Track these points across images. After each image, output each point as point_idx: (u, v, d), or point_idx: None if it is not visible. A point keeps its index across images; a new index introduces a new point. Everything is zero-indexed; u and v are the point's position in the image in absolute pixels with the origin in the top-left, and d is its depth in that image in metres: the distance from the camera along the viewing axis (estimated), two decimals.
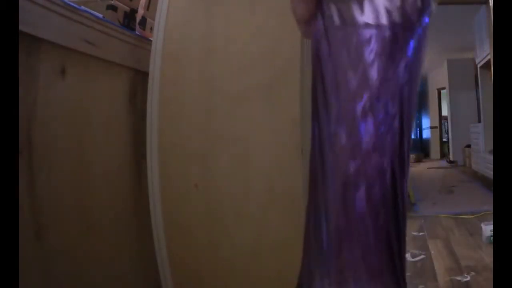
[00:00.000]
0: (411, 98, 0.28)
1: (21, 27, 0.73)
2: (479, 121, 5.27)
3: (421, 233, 2.64)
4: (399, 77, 0.26)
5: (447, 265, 1.99)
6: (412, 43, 0.26)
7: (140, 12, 1.35)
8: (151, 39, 1.11)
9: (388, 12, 0.25)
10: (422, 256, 2.15)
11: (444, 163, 7.57)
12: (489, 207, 3.10)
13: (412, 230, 2.71)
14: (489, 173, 4.22)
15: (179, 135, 1.02)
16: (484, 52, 4.47)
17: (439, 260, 2.09)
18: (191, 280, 1.02)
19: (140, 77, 1.15)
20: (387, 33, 0.25)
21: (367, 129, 0.26)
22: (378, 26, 0.25)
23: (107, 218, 1.01)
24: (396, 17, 0.25)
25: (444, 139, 8.71)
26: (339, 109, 0.27)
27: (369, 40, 0.25)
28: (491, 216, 2.83)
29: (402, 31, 0.25)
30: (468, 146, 6.11)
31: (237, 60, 0.98)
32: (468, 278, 1.79)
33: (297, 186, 0.90)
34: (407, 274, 1.99)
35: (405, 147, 0.29)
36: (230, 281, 0.98)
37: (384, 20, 0.25)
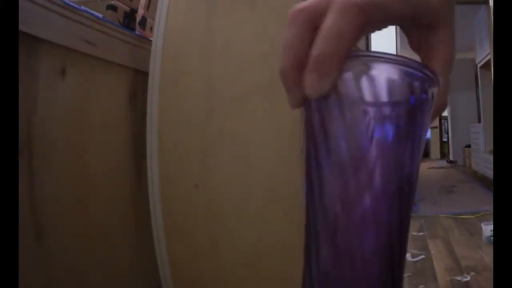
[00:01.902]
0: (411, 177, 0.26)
1: (21, 27, 0.73)
2: (479, 121, 5.27)
3: (421, 233, 2.64)
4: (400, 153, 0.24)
5: (447, 265, 2.00)
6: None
7: (140, 12, 1.35)
8: (151, 39, 1.11)
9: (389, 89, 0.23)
10: (422, 256, 2.15)
11: (444, 163, 7.57)
12: (489, 207, 3.10)
13: (412, 230, 2.71)
14: (489, 173, 4.22)
15: (179, 135, 1.02)
16: (484, 52, 4.47)
17: (439, 260, 2.09)
18: (191, 280, 1.02)
19: (140, 77, 1.15)
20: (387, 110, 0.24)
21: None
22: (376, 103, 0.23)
23: (107, 218, 1.02)
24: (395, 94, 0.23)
25: (444, 139, 8.71)
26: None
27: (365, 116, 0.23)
28: (491, 216, 2.83)
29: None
30: (468, 146, 6.12)
31: (237, 60, 0.97)
32: (468, 278, 1.79)
33: (297, 186, 0.90)
34: (408, 274, 1.99)
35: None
36: (230, 281, 0.98)
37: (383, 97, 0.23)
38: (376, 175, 0.24)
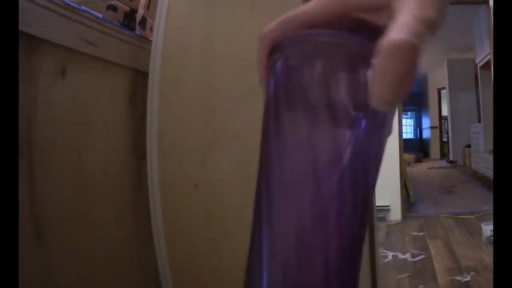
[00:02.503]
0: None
1: (21, 27, 0.73)
2: (479, 121, 5.28)
3: (421, 233, 2.65)
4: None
5: (447, 265, 2.00)
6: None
7: (140, 12, 1.35)
8: (151, 39, 1.11)
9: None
10: (422, 256, 2.15)
11: (444, 163, 7.58)
12: (489, 207, 3.11)
13: (412, 230, 2.71)
14: (489, 173, 4.22)
15: (179, 135, 1.02)
16: (484, 52, 4.47)
17: (439, 260, 2.09)
18: (191, 280, 1.02)
19: (140, 77, 1.15)
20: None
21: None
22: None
23: (107, 218, 1.02)
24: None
25: (444, 139, 8.71)
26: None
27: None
28: (491, 216, 2.83)
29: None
30: (468, 146, 6.12)
31: (237, 60, 0.97)
32: (468, 278, 1.79)
33: None
34: (408, 274, 1.99)
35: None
36: (231, 281, 0.98)
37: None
38: (327, 175, 0.23)
